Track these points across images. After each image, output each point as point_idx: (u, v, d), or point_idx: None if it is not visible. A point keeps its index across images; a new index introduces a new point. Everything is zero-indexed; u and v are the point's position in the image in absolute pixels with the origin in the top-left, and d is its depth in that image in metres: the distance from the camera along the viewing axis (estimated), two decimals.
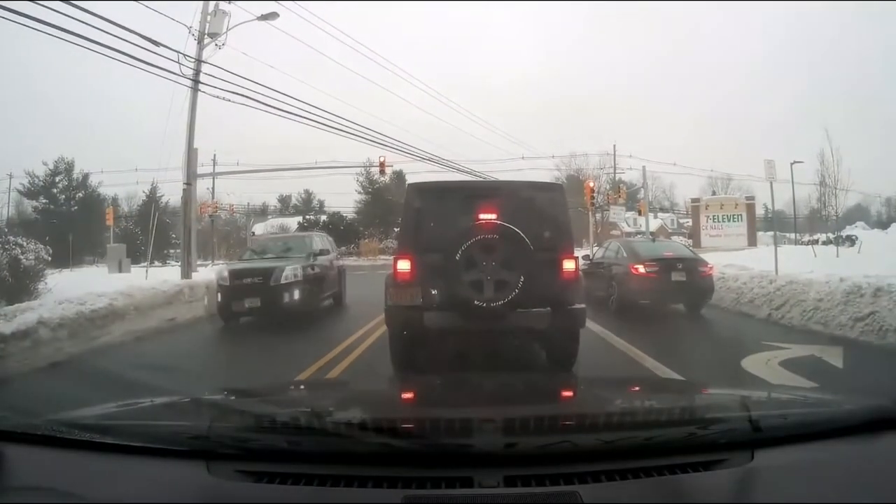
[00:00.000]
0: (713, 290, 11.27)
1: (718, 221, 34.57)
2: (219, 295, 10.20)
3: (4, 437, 1.60)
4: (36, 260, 11.78)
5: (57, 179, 52.17)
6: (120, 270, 22.62)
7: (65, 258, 28.16)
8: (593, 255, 13.32)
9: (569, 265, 5.66)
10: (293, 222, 55.70)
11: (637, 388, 2.83)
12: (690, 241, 36.86)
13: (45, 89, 78.35)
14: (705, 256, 12.83)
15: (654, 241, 16.11)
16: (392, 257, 6.94)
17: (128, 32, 11.95)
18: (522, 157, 48.15)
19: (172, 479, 1.50)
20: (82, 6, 10.70)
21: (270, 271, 9.97)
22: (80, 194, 52.77)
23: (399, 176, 42.32)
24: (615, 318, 9.94)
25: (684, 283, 10.82)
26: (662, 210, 65.49)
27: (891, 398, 1.72)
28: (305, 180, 73.06)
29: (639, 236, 22.75)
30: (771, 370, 6.08)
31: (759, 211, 39.42)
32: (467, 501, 1.39)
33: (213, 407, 1.94)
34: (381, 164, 27.10)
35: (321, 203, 63.90)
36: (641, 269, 10.80)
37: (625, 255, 11.79)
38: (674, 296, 11.04)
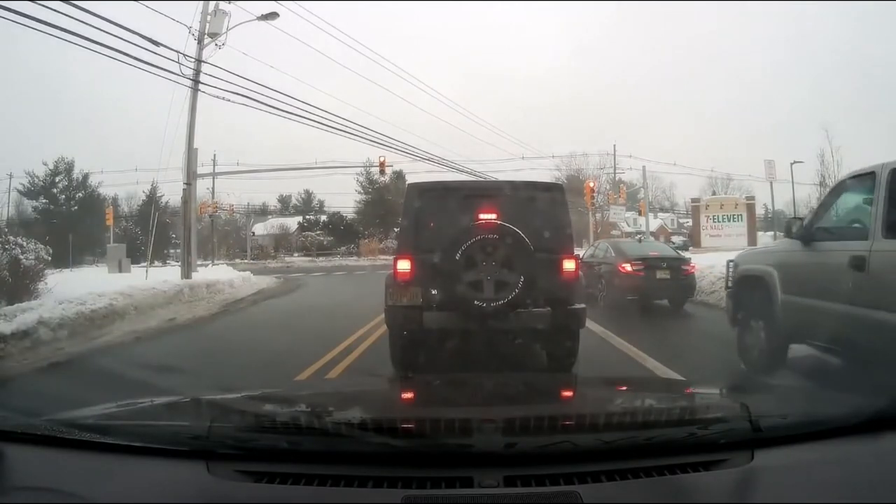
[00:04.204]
0: (695, 287, 12.02)
1: (718, 221, 34.57)
2: None
3: (4, 437, 1.59)
4: (36, 260, 11.76)
5: (57, 179, 52.15)
6: (120, 270, 22.60)
7: (65, 258, 28.18)
8: (583, 254, 13.56)
9: (569, 265, 5.66)
10: (293, 222, 55.75)
11: (637, 388, 2.82)
12: (691, 241, 36.88)
13: (46, 89, 78.45)
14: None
15: (640, 241, 16.72)
16: (392, 257, 6.93)
17: (128, 32, 12.02)
18: (522, 157, 48.07)
19: (172, 479, 1.50)
20: (83, 6, 10.75)
21: None
22: (80, 194, 52.75)
23: (399, 176, 42.30)
24: (615, 317, 9.93)
25: (668, 281, 11.51)
26: (662, 210, 65.51)
27: (891, 398, 1.71)
28: (305, 180, 73.25)
29: (639, 236, 22.90)
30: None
31: (760, 211, 39.48)
32: (467, 501, 1.39)
33: (213, 407, 1.93)
34: (381, 164, 27.14)
35: (321, 203, 64.06)
36: (629, 267, 11.39)
37: (613, 254, 12.44)
38: (658, 292, 11.68)
